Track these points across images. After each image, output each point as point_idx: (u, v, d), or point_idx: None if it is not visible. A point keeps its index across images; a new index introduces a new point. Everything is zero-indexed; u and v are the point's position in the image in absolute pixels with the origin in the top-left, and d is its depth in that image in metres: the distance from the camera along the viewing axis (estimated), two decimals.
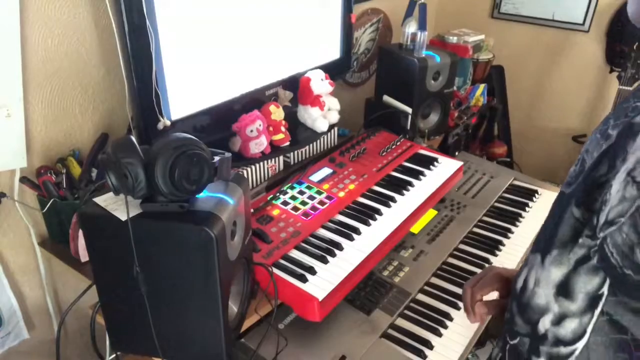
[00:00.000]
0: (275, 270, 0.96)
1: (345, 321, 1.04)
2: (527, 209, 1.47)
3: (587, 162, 0.58)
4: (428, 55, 1.51)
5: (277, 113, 1.30)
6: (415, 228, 1.31)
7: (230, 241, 0.77)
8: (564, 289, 0.60)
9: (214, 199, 0.77)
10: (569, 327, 0.60)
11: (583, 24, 2.02)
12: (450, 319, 1.08)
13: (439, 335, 1.04)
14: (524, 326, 0.67)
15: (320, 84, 1.39)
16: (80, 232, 0.98)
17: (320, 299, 0.91)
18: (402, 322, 1.07)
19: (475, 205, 1.45)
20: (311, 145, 1.41)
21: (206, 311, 0.78)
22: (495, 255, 1.28)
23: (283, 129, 1.33)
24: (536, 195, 1.53)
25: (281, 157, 1.33)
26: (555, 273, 0.60)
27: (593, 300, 0.57)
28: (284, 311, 1.02)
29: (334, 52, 1.59)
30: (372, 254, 1.04)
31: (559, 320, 0.61)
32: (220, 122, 1.25)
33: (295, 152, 1.37)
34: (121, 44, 1.04)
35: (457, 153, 1.78)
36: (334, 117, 1.48)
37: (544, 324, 0.63)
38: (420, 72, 1.48)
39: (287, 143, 1.35)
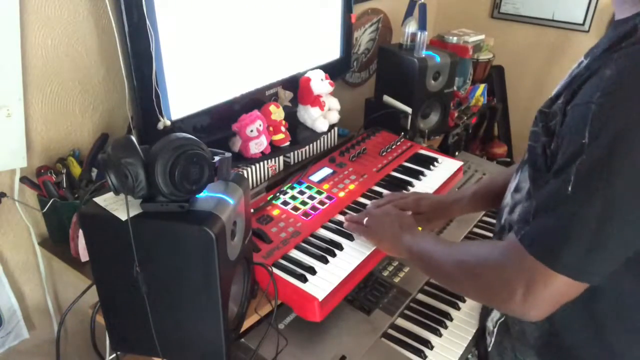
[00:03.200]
0: (275, 270, 0.96)
1: (345, 321, 1.04)
2: None
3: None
4: (428, 55, 1.50)
5: (277, 113, 1.30)
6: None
7: (230, 241, 0.77)
8: (516, 187, 0.82)
9: (214, 199, 0.77)
10: (517, 212, 0.80)
11: (583, 24, 2.02)
12: (451, 319, 1.08)
13: (439, 335, 1.04)
14: (497, 225, 0.91)
15: (320, 84, 1.39)
16: (80, 232, 0.98)
17: (320, 299, 0.91)
18: (402, 322, 1.07)
19: None
20: (311, 145, 1.41)
21: (206, 311, 0.78)
22: None
23: (283, 129, 1.33)
24: None
25: (281, 157, 1.33)
26: (514, 181, 0.84)
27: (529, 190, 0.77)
28: (284, 311, 1.02)
29: (334, 52, 1.59)
30: (372, 254, 1.04)
31: (512, 209, 0.82)
32: (220, 122, 1.25)
33: (295, 152, 1.37)
34: (121, 44, 1.04)
35: (457, 153, 1.78)
36: (334, 117, 1.48)
37: (505, 216, 0.85)
38: (420, 72, 1.48)
39: (287, 143, 1.35)
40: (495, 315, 0.93)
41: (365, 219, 1.05)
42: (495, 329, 0.91)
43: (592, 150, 0.58)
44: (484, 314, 1.01)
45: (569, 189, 0.60)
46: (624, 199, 0.58)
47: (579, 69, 0.70)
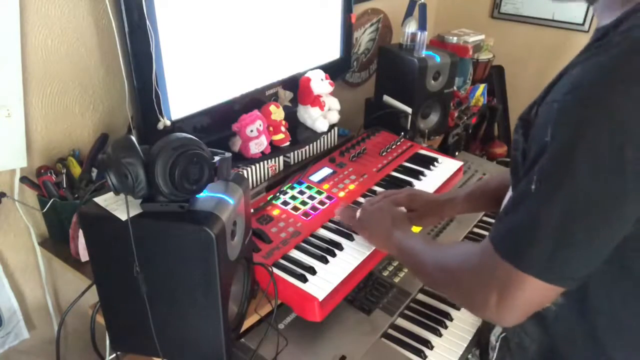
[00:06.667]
0: (275, 270, 0.96)
1: (345, 321, 1.04)
2: None
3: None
4: (428, 55, 1.50)
5: (277, 113, 1.30)
6: (416, 228, 1.30)
7: (230, 241, 0.77)
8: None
9: (214, 199, 0.77)
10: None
11: (583, 24, 2.02)
12: (451, 319, 1.08)
13: (439, 335, 1.04)
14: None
15: (320, 84, 1.39)
16: (80, 232, 0.98)
17: (320, 299, 0.91)
18: (402, 322, 1.07)
19: None
20: (311, 145, 1.41)
21: (206, 311, 0.78)
22: None
23: (283, 129, 1.33)
24: None
25: (281, 157, 1.33)
26: (508, 194, 0.80)
27: None
28: (284, 311, 1.02)
29: (334, 52, 1.59)
30: (372, 254, 1.04)
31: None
32: (220, 122, 1.25)
33: (295, 152, 1.37)
34: (121, 44, 1.04)
35: (457, 153, 1.78)
36: (334, 117, 1.48)
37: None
38: (420, 72, 1.48)
39: (287, 143, 1.35)
40: (497, 330, 0.92)
41: (358, 212, 1.05)
42: (498, 344, 0.91)
43: (553, 147, 0.58)
44: (488, 327, 1.00)
45: (532, 187, 0.60)
46: (586, 197, 0.57)
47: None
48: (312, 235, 1.09)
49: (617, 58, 0.57)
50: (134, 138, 0.72)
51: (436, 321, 1.07)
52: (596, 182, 0.56)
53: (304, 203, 1.17)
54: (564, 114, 0.58)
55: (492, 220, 1.40)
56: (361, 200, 1.22)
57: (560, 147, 0.58)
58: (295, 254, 1.03)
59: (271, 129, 1.30)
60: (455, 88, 1.72)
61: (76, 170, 1.07)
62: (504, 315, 0.65)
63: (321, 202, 1.18)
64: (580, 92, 0.58)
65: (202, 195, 0.76)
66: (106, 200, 0.77)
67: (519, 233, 0.62)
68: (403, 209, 1.09)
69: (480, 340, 1.05)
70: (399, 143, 1.47)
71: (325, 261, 1.00)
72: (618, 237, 0.60)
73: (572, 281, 0.62)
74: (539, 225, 0.60)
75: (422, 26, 1.56)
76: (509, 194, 0.84)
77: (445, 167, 1.40)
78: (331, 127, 1.46)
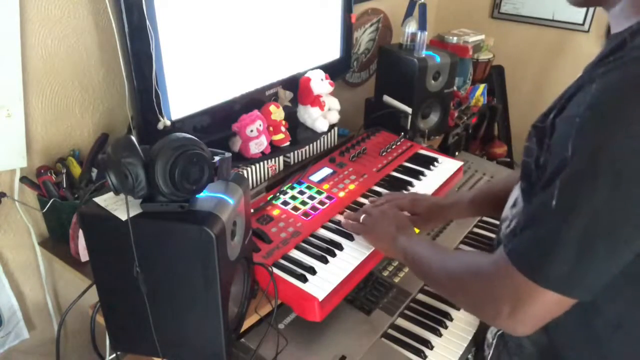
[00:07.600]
0: (275, 270, 0.96)
1: (345, 321, 1.04)
2: None
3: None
4: (428, 55, 1.51)
5: (277, 113, 1.30)
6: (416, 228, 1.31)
7: (230, 241, 0.77)
8: (514, 202, 0.82)
9: (214, 199, 0.77)
10: (512, 225, 0.79)
11: (583, 24, 2.02)
12: (451, 319, 1.08)
13: (439, 335, 1.04)
14: (496, 239, 0.92)
15: (320, 84, 1.39)
16: (80, 232, 0.98)
17: (320, 299, 0.91)
18: (402, 322, 1.07)
19: None
20: (311, 145, 1.41)
21: (206, 311, 0.78)
22: None
23: (283, 129, 1.33)
24: None
25: (281, 157, 1.33)
26: (513, 196, 0.84)
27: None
28: (284, 311, 1.02)
29: (334, 52, 1.59)
30: (372, 254, 1.04)
31: (509, 224, 0.82)
32: (220, 122, 1.25)
33: (295, 152, 1.37)
34: (121, 44, 1.04)
35: (457, 153, 1.78)
36: (334, 117, 1.48)
37: (503, 230, 0.86)
38: (420, 72, 1.48)
39: (287, 143, 1.35)
40: (494, 327, 0.93)
41: (362, 216, 1.06)
42: (494, 342, 0.91)
43: (574, 163, 0.58)
44: (485, 325, 1.01)
45: (553, 202, 0.60)
46: (607, 213, 0.57)
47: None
48: (312, 235, 1.09)
49: (637, 74, 0.57)
50: (134, 138, 0.71)
51: (436, 321, 1.07)
52: (617, 200, 0.57)
53: (304, 203, 1.17)
54: (585, 131, 0.58)
55: (492, 221, 1.40)
56: (361, 200, 1.22)
57: (581, 164, 0.58)
58: (295, 254, 1.03)
59: (271, 129, 1.30)
60: (455, 88, 1.72)
61: (76, 170, 1.07)
62: (518, 326, 0.66)
63: (321, 202, 1.18)
64: (601, 109, 0.58)
65: (202, 195, 0.76)
66: (106, 200, 0.77)
67: (539, 248, 0.62)
68: (407, 213, 1.09)
69: (476, 337, 1.04)
70: (399, 143, 1.47)
71: (325, 261, 1.00)
72: (636, 251, 0.60)
73: (589, 293, 0.62)
74: (560, 241, 0.60)
75: (422, 26, 1.56)
76: (513, 194, 0.84)
77: (445, 167, 1.40)
78: (331, 127, 1.46)
